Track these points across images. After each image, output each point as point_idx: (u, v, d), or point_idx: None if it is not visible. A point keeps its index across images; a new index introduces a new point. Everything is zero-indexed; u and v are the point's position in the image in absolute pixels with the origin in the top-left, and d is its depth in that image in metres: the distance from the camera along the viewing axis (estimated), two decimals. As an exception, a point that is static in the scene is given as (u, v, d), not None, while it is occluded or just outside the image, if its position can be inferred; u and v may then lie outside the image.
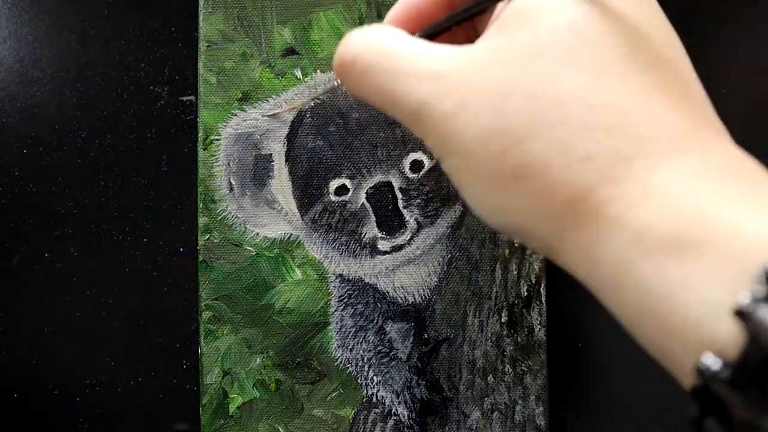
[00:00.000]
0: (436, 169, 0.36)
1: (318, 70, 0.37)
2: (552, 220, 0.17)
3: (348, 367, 0.36)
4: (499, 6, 0.21)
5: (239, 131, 0.36)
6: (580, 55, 0.17)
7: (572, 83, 0.17)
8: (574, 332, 0.43)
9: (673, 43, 0.19)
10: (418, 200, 0.36)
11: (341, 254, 0.36)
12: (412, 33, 0.22)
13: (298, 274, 0.36)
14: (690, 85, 0.19)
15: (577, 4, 0.18)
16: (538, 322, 0.36)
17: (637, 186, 0.16)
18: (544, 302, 0.36)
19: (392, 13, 0.24)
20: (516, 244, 0.36)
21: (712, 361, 0.14)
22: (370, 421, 0.36)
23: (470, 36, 0.25)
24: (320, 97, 0.37)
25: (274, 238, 0.36)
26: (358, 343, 0.36)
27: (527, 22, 0.18)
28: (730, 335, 0.14)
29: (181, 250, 0.43)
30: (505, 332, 0.36)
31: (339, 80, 0.23)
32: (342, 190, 0.36)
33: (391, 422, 0.36)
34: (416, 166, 0.36)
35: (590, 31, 0.18)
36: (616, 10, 0.18)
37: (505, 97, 0.17)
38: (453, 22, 0.22)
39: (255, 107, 0.36)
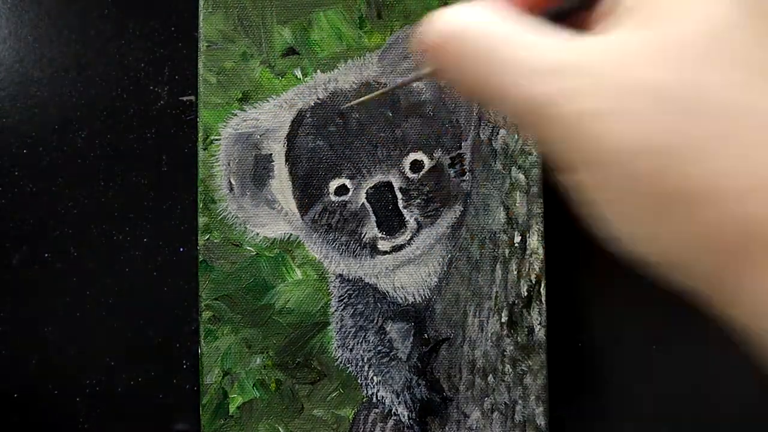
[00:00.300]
0: (436, 169, 0.36)
1: (318, 70, 0.37)
2: (719, 256, 0.14)
3: (348, 367, 0.36)
4: None
5: (239, 131, 0.36)
6: (750, 57, 0.15)
7: (744, 92, 0.14)
8: (574, 332, 0.43)
9: None
10: (418, 200, 0.36)
11: (341, 254, 0.36)
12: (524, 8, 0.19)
13: (298, 274, 0.36)
14: None
15: None
16: (538, 322, 0.36)
17: None
18: (544, 302, 0.36)
19: None
20: (516, 245, 0.36)
21: None
22: (370, 421, 0.36)
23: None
24: (320, 97, 0.37)
25: (274, 238, 0.36)
26: (358, 343, 0.36)
27: (676, 12, 0.15)
28: None
29: (181, 250, 0.43)
30: (505, 332, 0.36)
31: (431, 57, 0.19)
32: (342, 190, 0.36)
33: (391, 422, 0.36)
34: (416, 166, 0.36)
35: (757, 27, 0.15)
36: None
37: (661, 103, 0.14)
38: None
39: (255, 107, 0.36)
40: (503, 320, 0.36)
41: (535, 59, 0.16)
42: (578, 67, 0.15)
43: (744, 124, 0.14)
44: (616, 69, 0.15)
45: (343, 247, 0.36)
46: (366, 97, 0.35)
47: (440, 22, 0.18)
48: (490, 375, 0.36)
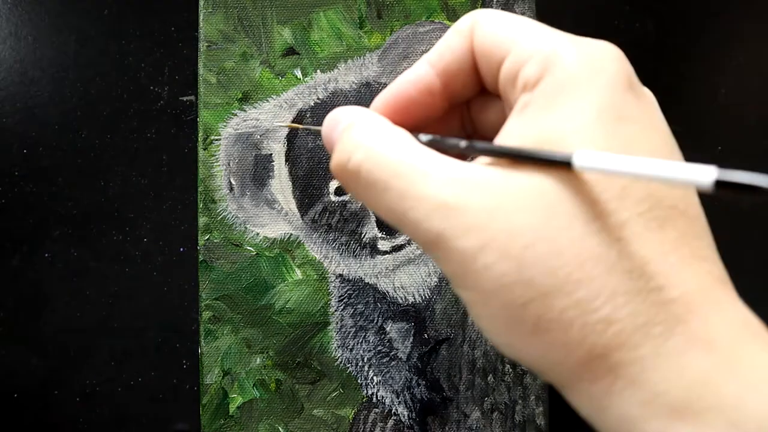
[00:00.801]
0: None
1: (318, 70, 0.37)
2: (567, 370, 0.18)
3: (348, 367, 0.36)
4: (515, 116, 0.20)
5: (239, 131, 0.36)
6: (603, 215, 0.17)
7: (594, 243, 0.17)
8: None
9: (691, 192, 0.19)
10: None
11: (341, 254, 0.36)
12: (403, 125, 0.21)
13: (298, 274, 0.36)
14: (701, 233, 0.19)
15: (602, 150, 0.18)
16: (538, 322, 0.36)
17: (654, 351, 0.17)
18: (544, 302, 0.36)
19: (380, 100, 0.23)
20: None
21: None
22: (370, 421, 0.36)
23: (463, 119, 0.24)
24: (320, 97, 0.37)
25: (274, 238, 0.36)
26: (358, 343, 0.36)
27: (551, 170, 0.18)
28: None
29: (181, 250, 0.43)
30: (505, 332, 0.36)
31: (337, 177, 0.21)
32: (342, 189, 0.36)
33: (391, 422, 0.36)
34: (416, 166, 0.36)
35: (612, 188, 0.17)
36: (637, 153, 0.18)
37: (528, 247, 0.17)
38: (484, 152, 0.19)
39: (255, 107, 0.36)
40: (503, 320, 0.36)
41: (429, 194, 0.18)
42: (463, 207, 0.18)
43: (593, 274, 0.17)
44: (493, 212, 0.18)
45: (343, 247, 0.36)
46: (296, 125, 0.36)
47: (350, 147, 0.20)
48: (490, 375, 0.36)
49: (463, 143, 0.20)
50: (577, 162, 0.17)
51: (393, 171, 0.19)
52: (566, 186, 0.18)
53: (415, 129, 0.22)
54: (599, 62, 0.19)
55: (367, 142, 0.20)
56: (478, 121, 0.24)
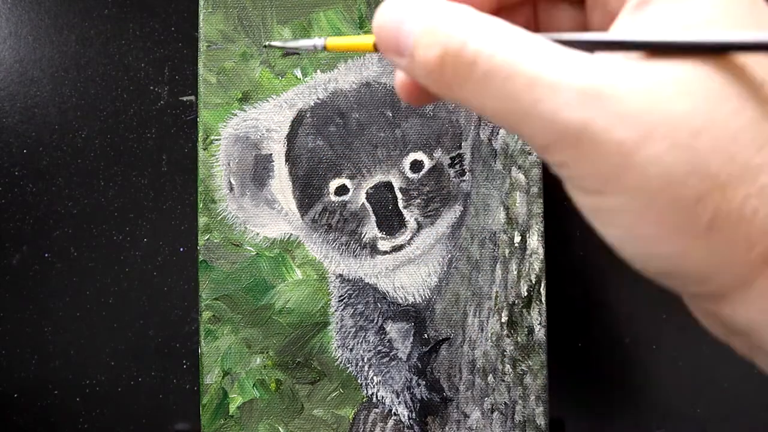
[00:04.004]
0: (436, 169, 0.36)
1: (318, 70, 0.37)
2: (742, 269, 0.16)
3: (348, 367, 0.36)
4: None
5: (239, 131, 0.36)
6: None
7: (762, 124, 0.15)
8: (574, 332, 0.43)
9: None
10: (418, 200, 0.36)
11: (341, 254, 0.36)
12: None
13: (298, 274, 0.36)
14: None
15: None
16: (538, 322, 0.36)
17: None
18: (544, 302, 0.36)
19: None
20: (516, 245, 0.36)
21: None
22: (370, 421, 0.36)
23: (529, 19, 0.22)
24: (320, 97, 0.37)
25: (274, 238, 0.36)
26: (358, 343, 0.36)
27: (704, 57, 0.16)
28: None
29: (181, 250, 0.43)
30: (505, 332, 0.36)
31: (435, 82, 0.18)
32: (342, 190, 0.36)
33: (391, 422, 0.36)
34: (416, 166, 0.36)
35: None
36: None
37: (698, 133, 0.15)
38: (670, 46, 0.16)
39: (255, 107, 0.36)
40: (503, 320, 0.36)
41: (573, 79, 0.16)
42: (620, 93, 0.15)
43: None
44: (655, 97, 0.15)
45: (343, 247, 0.36)
46: (287, 43, 0.28)
47: (432, 36, 0.17)
48: (490, 375, 0.36)
49: (586, 37, 0.17)
50: (736, 39, 0.15)
51: (521, 55, 0.16)
52: (727, 71, 0.16)
53: None
54: None
55: (484, 29, 0.17)
56: (545, 29, 0.22)
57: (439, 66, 0.17)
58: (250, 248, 0.36)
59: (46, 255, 0.42)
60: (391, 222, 0.36)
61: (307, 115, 0.36)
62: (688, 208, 0.15)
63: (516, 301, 0.36)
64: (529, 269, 0.36)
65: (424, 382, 0.36)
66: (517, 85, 0.16)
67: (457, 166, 0.36)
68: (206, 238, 0.36)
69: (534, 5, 0.21)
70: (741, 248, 0.16)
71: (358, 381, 0.36)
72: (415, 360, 0.36)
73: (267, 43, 0.27)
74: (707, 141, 0.15)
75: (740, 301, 0.16)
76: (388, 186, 0.36)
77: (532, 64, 0.16)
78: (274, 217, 0.36)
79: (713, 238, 0.16)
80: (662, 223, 0.16)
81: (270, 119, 0.36)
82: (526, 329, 0.36)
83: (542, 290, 0.36)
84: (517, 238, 0.36)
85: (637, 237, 0.16)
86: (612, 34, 0.17)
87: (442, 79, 0.17)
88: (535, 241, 0.36)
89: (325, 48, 0.22)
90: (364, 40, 0.20)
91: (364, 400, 0.36)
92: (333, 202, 0.36)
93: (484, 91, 0.17)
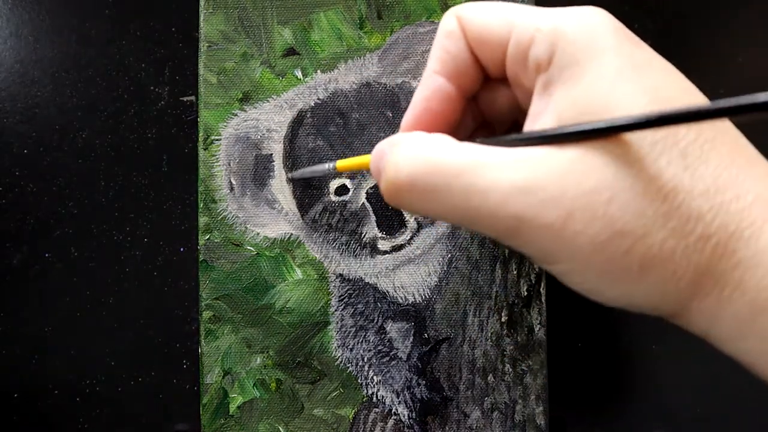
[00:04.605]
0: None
1: (318, 71, 0.37)
2: (678, 296, 0.19)
3: (348, 367, 0.36)
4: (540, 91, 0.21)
5: (240, 131, 0.36)
6: (665, 150, 0.18)
7: (669, 175, 0.18)
8: (574, 332, 0.43)
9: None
10: (418, 200, 0.36)
11: (341, 254, 0.36)
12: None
13: (298, 273, 0.36)
14: (745, 143, 0.20)
15: (644, 104, 0.19)
16: (538, 322, 0.36)
17: (750, 253, 0.18)
18: (544, 302, 0.36)
19: (407, 124, 0.24)
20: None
21: None
22: (370, 420, 0.36)
23: (473, 113, 0.25)
24: (320, 97, 0.37)
25: (275, 238, 0.36)
26: (358, 343, 0.36)
27: (599, 137, 0.19)
28: None
29: (182, 250, 0.43)
30: (505, 332, 0.36)
31: (389, 198, 0.22)
32: (342, 189, 0.36)
33: (391, 422, 0.36)
34: (416, 166, 0.36)
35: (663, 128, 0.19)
36: (669, 97, 0.19)
37: (610, 201, 0.18)
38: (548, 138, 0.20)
39: (256, 107, 0.36)
40: (503, 320, 0.36)
41: (500, 181, 0.19)
42: (537, 185, 0.19)
43: (676, 202, 0.18)
44: (566, 181, 0.18)
45: (344, 246, 0.36)
46: (305, 170, 0.35)
47: (397, 163, 0.21)
48: (490, 374, 0.36)
49: (509, 138, 0.21)
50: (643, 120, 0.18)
51: (450, 170, 0.20)
52: (620, 143, 0.18)
53: None
54: (596, 25, 0.20)
55: (414, 152, 0.21)
56: (487, 110, 0.25)
57: (391, 192, 0.21)
58: (251, 248, 0.36)
59: (46, 255, 0.43)
60: (391, 222, 0.36)
61: (308, 116, 0.36)
62: (619, 261, 0.18)
63: (516, 301, 0.36)
64: (529, 269, 0.36)
65: (424, 382, 0.36)
66: (456, 196, 0.19)
67: (457, 166, 0.36)
68: (207, 237, 0.36)
69: (474, 97, 0.25)
70: (671, 282, 0.19)
71: (358, 381, 0.36)
72: (415, 360, 0.36)
73: (290, 176, 0.36)
74: (618, 206, 0.18)
75: (687, 320, 0.20)
76: (389, 186, 0.36)
77: (463, 176, 0.19)
78: (274, 216, 0.36)
79: (646, 280, 0.19)
80: (604, 277, 0.19)
81: (270, 119, 0.36)
82: (526, 329, 0.36)
83: (542, 290, 0.36)
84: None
85: (590, 288, 0.20)
86: (523, 134, 0.20)
87: (398, 201, 0.21)
88: (535, 241, 0.36)
89: (335, 169, 0.29)
90: (366, 159, 0.24)
91: (364, 399, 0.36)
92: (333, 201, 0.36)
93: (430, 205, 0.20)
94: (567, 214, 0.18)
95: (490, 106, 0.25)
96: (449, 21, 0.23)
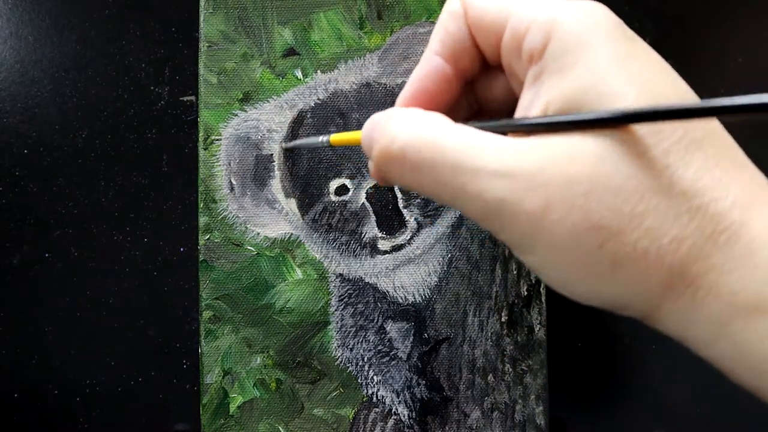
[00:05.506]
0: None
1: (318, 71, 0.37)
2: (649, 296, 0.19)
3: (348, 367, 0.36)
4: (530, 82, 0.21)
5: (240, 131, 0.36)
6: (647, 148, 0.18)
7: (646, 175, 0.18)
8: (574, 332, 0.43)
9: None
10: (418, 200, 0.36)
11: (341, 254, 0.36)
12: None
13: (298, 273, 0.36)
14: (734, 146, 0.20)
15: (633, 98, 0.19)
16: (538, 322, 0.36)
17: (725, 257, 0.18)
18: (544, 302, 0.36)
19: (403, 97, 0.24)
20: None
21: None
22: (370, 420, 0.36)
23: (468, 99, 0.25)
24: (320, 97, 0.37)
25: (275, 238, 0.36)
26: (358, 343, 0.36)
27: (588, 127, 0.19)
28: None
29: (182, 250, 0.43)
30: (505, 332, 0.36)
31: (379, 169, 0.22)
32: (342, 189, 0.36)
33: (391, 422, 0.36)
34: (416, 166, 0.36)
35: (646, 126, 0.19)
36: (661, 93, 0.19)
37: (588, 194, 0.18)
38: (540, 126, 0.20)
39: (256, 108, 0.37)
40: (503, 320, 0.36)
41: (487, 164, 0.19)
42: (522, 170, 0.19)
43: (652, 203, 0.18)
44: (550, 170, 0.19)
45: (344, 246, 0.36)
46: (298, 142, 0.35)
47: (392, 134, 0.21)
48: (490, 374, 0.36)
49: (502, 122, 0.21)
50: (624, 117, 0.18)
51: (442, 147, 0.20)
52: (605, 135, 0.18)
53: None
54: (594, 18, 0.20)
55: (410, 125, 0.21)
56: (483, 97, 0.25)
57: (381, 161, 0.21)
58: (251, 248, 0.36)
59: (46, 255, 0.43)
60: (392, 222, 0.36)
61: (308, 116, 0.36)
62: (592, 256, 0.18)
63: (516, 301, 0.36)
64: (529, 269, 0.36)
65: (424, 382, 0.36)
66: (445, 173, 0.20)
67: (457, 166, 0.36)
68: (207, 237, 0.36)
69: (471, 83, 0.25)
70: (642, 281, 0.19)
71: (359, 380, 0.36)
72: (415, 359, 0.36)
73: (283, 145, 0.36)
74: (595, 200, 0.18)
75: (660, 320, 0.20)
76: (389, 186, 0.36)
77: (454, 154, 0.20)
78: (274, 216, 0.36)
79: (617, 277, 0.19)
80: (575, 270, 0.19)
81: (271, 119, 0.36)
82: (526, 329, 0.36)
83: (542, 290, 0.36)
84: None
85: (561, 282, 0.20)
86: (515, 120, 0.21)
87: (387, 173, 0.21)
88: (535, 241, 0.36)
89: (330, 143, 0.29)
90: (358, 134, 0.24)
91: (364, 399, 0.36)
92: (333, 201, 0.36)
93: (419, 178, 0.20)
94: (547, 203, 0.18)
95: (486, 93, 0.25)
96: (454, 1, 0.23)
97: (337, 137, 0.28)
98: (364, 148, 0.23)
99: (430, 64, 0.23)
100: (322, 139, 0.30)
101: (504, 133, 0.21)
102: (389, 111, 0.22)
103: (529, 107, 0.21)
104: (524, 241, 0.19)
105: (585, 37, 0.19)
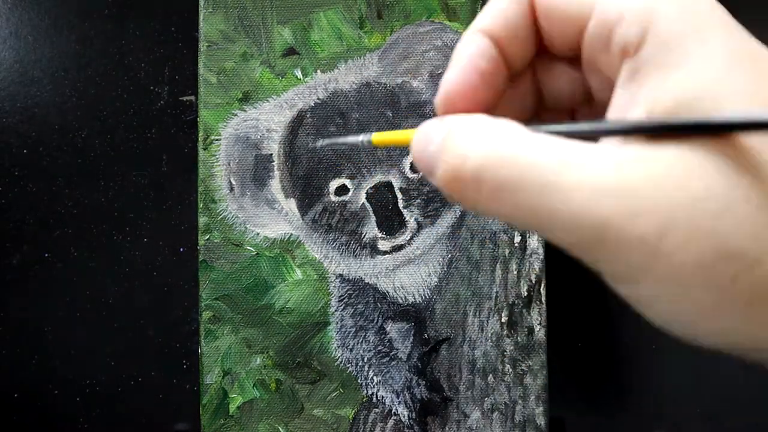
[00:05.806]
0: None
1: (318, 70, 0.37)
2: None
3: (348, 367, 0.36)
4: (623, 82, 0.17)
5: (240, 131, 0.36)
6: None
7: None
8: (574, 332, 0.43)
9: None
10: (418, 200, 0.36)
11: (341, 254, 0.36)
12: (476, 104, 0.19)
13: (298, 274, 0.36)
14: None
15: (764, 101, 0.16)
16: (538, 322, 0.36)
17: None
18: (544, 302, 0.36)
19: (451, 81, 0.20)
20: (516, 245, 0.36)
21: None
22: (370, 420, 0.36)
23: (525, 93, 0.22)
24: (320, 97, 0.37)
25: (275, 238, 0.36)
26: (358, 343, 0.36)
27: (703, 135, 0.16)
28: None
29: (181, 250, 0.43)
30: (505, 332, 0.36)
31: (450, 195, 0.18)
32: (342, 190, 0.36)
33: (391, 422, 0.36)
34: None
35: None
36: None
37: (720, 216, 0.15)
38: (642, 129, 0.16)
39: (255, 107, 0.36)
40: (503, 320, 0.36)
41: (584, 180, 0.16)
42: (632, 187, 0.15)
43: None
44: (667, 185, 0.15)
45: (344, 247, 0.36)
46: (336, 140, 0.34)
47: (460, 150, 0.17)
48: (490, 375, 0.36)
49: (589, 125, 0.18)
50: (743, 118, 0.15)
51: (526, 163, 0.16)
52: (728, 148, 0.15)
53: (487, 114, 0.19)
54: (697, 6, 0.17)
55: (481, 139, 0.17)
56: (547, 91, 0.22)
57: (453, 186, 0.18)
58: (251, 248, 0.36)
59: (46, 255, 0.42)
60: (391, 222, 0.36)
61: (308, 116, 0.36)
62: (723, 290, 0.15)
63: (516, 301, 0.36)
64: (529, 269, 0.36)
65: (424, 382, 0.36)
66: (532, 195, 0.16)
67: (457, 166, 0.36)
68: (206, 238, 0.36)
69: (533, 68, 0.21)
70: None
71: (358, 381, 0.36)
72: (415, 360, 0.36)
73: (319, 144, 0.35)
74: (729, 223, 0.15)
75: None
76: (388, 186, 0.36)
77: (541, 170, 0.16)
78: (274, 217, 0.36)
79: (754, 316, 0.15)
80: (701, 306, 0.16)
81: (270, 119, 0.36)
82: (526, 329, 0.36)
83: (542, 290, 0.36)
84: (517, 238, 0.36)
85: (681, 321, 0.16)
86: (609, 123, 0.17)
87: (461, 197, 0.18)
88: (535, 241, 0.36)
89: (371, 143, 0.24)
90: (406, 136, 0.20)
91: (364, 400, 0.36)
92: (333, 202, 0.36)
93: (497, 204, 0.17)
94: (665, 226, 0.15)
95: (550, 88, 0.21)
96: None
97: (380, 138, 0.24)
98: (421, 166, 0.19)
99: (477, 47, 0.19)
100: (362, 138, 0.25)
101: (593, 139, 0.17)
102: (446, 121, 0.18)
103: (626, 107, 0.17)
104: (633, 273, 0.16)
105: (692, 27, 0.16)
